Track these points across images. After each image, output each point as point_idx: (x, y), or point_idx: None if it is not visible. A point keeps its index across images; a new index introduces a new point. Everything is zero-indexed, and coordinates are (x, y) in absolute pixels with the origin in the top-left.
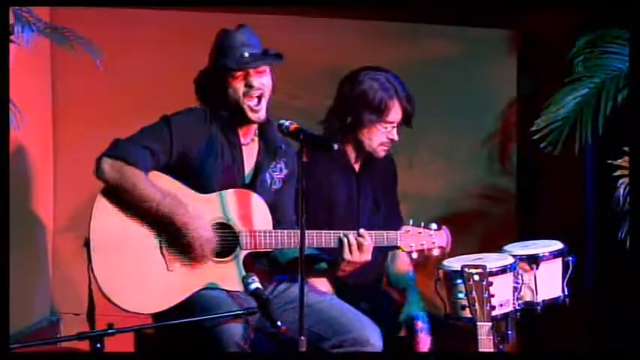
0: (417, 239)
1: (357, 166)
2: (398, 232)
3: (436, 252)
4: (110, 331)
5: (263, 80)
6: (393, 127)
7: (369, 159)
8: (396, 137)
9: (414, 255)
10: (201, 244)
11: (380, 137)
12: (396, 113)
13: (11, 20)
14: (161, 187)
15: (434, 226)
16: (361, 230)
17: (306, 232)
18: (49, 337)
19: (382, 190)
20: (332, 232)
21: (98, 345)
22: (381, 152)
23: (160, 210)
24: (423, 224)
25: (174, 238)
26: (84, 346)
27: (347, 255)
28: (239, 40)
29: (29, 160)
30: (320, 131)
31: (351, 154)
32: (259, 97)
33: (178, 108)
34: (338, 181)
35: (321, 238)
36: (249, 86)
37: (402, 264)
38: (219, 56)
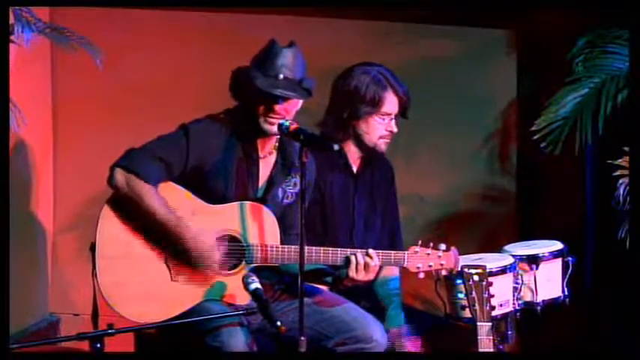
0: (425, 260)
1: (355, 167)
2: (406, 252)
3: (444, 272)
4: (110, 331)
5: (286, 106)
6: (391, 118)
7: (368, 159)
8: (394, 129)
9: (421, 275)
10: (206, 257)
11: (379, 130)
12: (391, 104)
13: (11, 20)
14: (169, 203)
15: (442, 246)
16: (370, 250)
17: (313, 248)
18: (49, 337)
19: (381, 191)
20: (339, 249)
21: (98, 345)
22: (383, 145)
23: (165, 225)
24: (432, 244)
25: (179, 253)
26: (84, 346)
27: (352, 274)
28: (281, 59)
29: (29, 160)
30: (318, 133)
31: (353, 152)
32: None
33: (178, 108)
34: (335, 181)
35: (327, 256)
36: (270, 109)
37: (389, 269)
38: (257, 64)
